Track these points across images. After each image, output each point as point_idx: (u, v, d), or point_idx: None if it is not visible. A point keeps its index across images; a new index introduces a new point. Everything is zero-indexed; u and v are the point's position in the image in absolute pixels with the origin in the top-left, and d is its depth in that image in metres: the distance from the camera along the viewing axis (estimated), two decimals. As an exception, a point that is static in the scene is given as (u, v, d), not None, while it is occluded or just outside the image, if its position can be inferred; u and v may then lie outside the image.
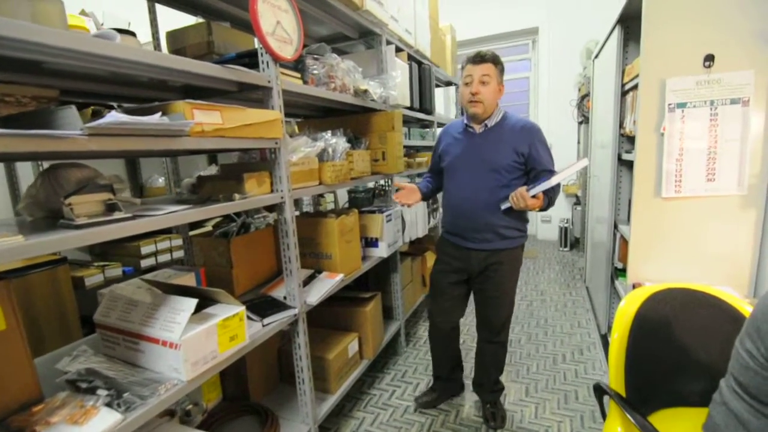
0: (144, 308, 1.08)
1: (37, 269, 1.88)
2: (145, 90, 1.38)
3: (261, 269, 1.68)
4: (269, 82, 1.28)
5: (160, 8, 1.61)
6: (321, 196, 3.92)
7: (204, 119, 1.01)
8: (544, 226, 5.22)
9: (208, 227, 2.88)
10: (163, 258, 2.62)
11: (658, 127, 1.55)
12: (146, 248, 2.52)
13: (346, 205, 3.60)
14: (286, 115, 2.39)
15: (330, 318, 1.99)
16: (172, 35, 1.55)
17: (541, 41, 4.94)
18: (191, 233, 2.75)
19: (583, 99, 4.07)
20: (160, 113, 0.84)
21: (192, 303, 1.01)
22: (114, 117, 0.76)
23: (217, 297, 1.17)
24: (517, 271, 1.67)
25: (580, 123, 4.48)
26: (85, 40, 0.80)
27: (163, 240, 2.60)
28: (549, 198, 1.50)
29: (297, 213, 3.28)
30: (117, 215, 0.88)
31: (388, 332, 2.27)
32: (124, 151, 1.04)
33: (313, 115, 2.35)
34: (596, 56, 2.96)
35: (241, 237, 1.59)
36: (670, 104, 1.50)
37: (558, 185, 1.47)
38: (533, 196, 1.44)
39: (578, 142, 4.70)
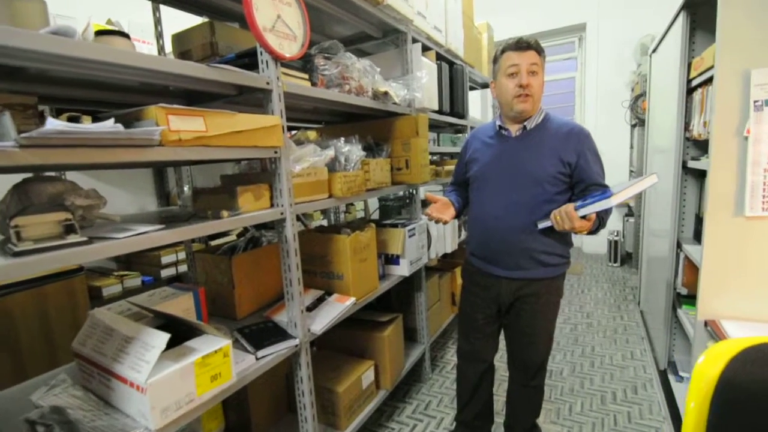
0: (118, 339, 0.96)
1: (53, 279, 1.86)
2: (145, 96, 1.28)
3: (268, 289, 1.54)
4: (268, 83, 1.13)
5: (174, 12, 1.54)
6: (351, 204, 3.79)
7: (182, 126, 0.88)
8: (590, 239, 4.79)
9: (233, 236, 2.83)
10: (185, 268, 2.58)
11: (740, 130, 1.25)
12: (167, 258, 2.48)
13: (377, 213, 3.44)
14: (305, 121, 2.28)
15: (344, 341, 1.82)
16: (178, 38, 1.45)
17: (588, 38, 4.57)
18: (215, 243, 2.70)
19: (638, 99, 3.68)
20: (113, 119, 0.71)
21: (163, 339, 0.87)
22: (52, 125, 0.63)
23: (202, 328, 1.03)
24: (556, 305, 1.40)
25: (634, 126, 4.07)
26: (29, 37, 0.68)
27: (183, 250, 2.55)
28: (600, 219, 1.22)
29: (316, 225, 3.17)
30: (71, 239, 0.76)
31: (412, 357, 2.06)
32: (85, 164, 0.92)
33: (334, 121, 2.21)
34: (654, 50, 2.62)
35: (245, 254, 1.46)
36: (756, 101, 1.21)
37: None
38: (583, 217, 1.15)
39: (631, 147, 4.27)
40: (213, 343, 0.99)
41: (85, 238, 0.77)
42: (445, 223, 1.44)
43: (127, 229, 0.87)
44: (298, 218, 3.04)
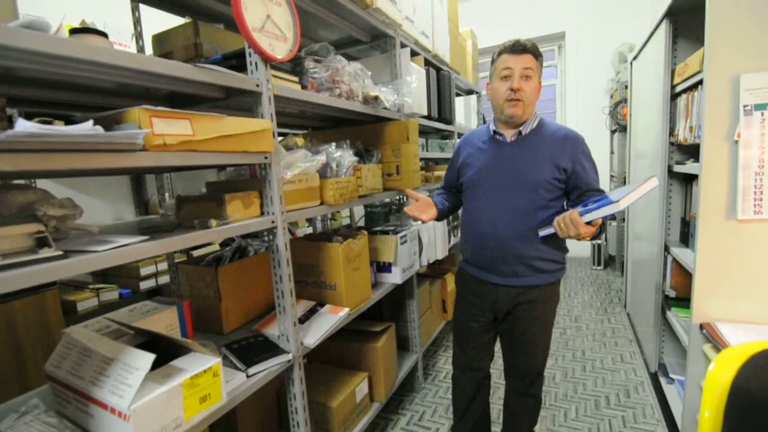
0: (97, 361, 0.88)
1: (21, 294, 1.74)
2: (122, 99, 1.21)
3: (256, 300, 1.47)
4: (258, 86, 1.08)
5: (154, 13, 1.47)
6: (337, 210, 3.73)
7: (167, 129, 0.82)
8: (573, 242, 4.86)
9: (216, 246, 2.72)
10: (165, 279, 2.47)
11: (730, 134, 1.27)
12: (146, 269, 2.37)
13: (362, 221, 3.39)
14: (291, 126, 2.22)
15: (336, 353, 1.76)
16: (158, 39, 1.39)
17: (568, 46, 4.67)
18: (197, 253, 2.59)
19: (617, 106, 3.77)
20: (92, 121, 0.65)
21: (147, 360, 0.80)
22: (23, 127, 0.57)
23: (189, 346, 0.96)
24: (553, 311, 1.38)
25: (613, 132, 4.16)
26: (-3, 29, 0.61)
27: (163, 260, 2.44)
28: (602, 224, 1.20)
29: (301, 232, 3.09)
30: (44, 253, 0.69)
31: (404, 367, 2.02)
32: (60, 171, 0.85)
33: (321, 126, 2.16)
34: (635, 58, 2.68)
35: (232, 264, 1.39)
36: (745, 106, 1.23)
37: None
38: (588, 223, 1.13)
39: (611, 153, 4.37)
40: (201, 362, 0.92)
41: (59, 252, 0.70)
42: (424, 221, 1.45)
43: (107, 241, 0.80)
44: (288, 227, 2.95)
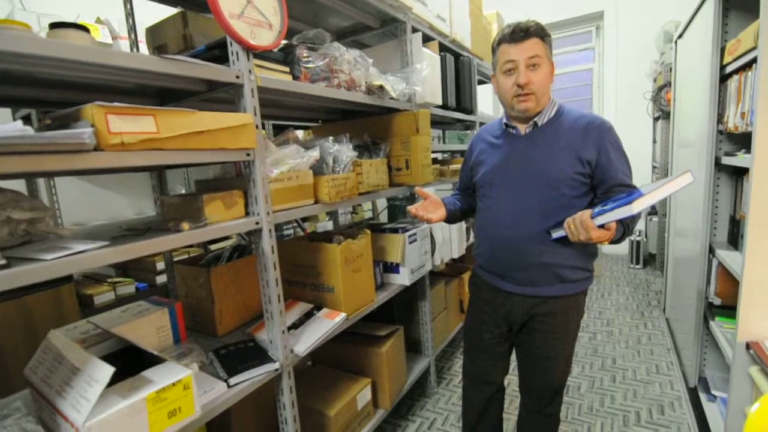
0: (66, 369, 0.85)
1: (36, 289, 1.78)
2: (121, 96, 1.17)
3: (254, 302, 1.42)
4: (238, 77, 1.01)
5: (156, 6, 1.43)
6: (359, 204, 3.66)
7: (125, 127, 0.76)
8: (610, 238, 4.54)
9: (233, 239, 2.72)
10: (181, 274, 2.49)
11: (790, 120, 1.07)
12: (162, 264, 2.39)
13: (386, 213, 3.29)
14: (299, 119, 2.15)
15: (341, 356, 1.69)
16: (151, 31, 1.35)
17: (607, 27, 4.32)
18: (214, 247, 2.60)
19: (661, 90, 3.44)
20: (20, 122, 0.59)
21: (106, 373, 0.75)
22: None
23: (158, 356, 0.91)
24: (576, 324, 1.23)
25: (657, 119, 3.82)
26: None
27: (181, 254, 2.46)
28: (625, 227, 1.04)
29: (321, 227, 3.03)
30: (-15, 262, 0.64)
31: (415, 371, 1.92)
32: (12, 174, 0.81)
33: (330, 119, 2.08)
34: (680, 36, 2.40)
35: (226, 265, 1.34)
36: (810, 86, 1.03)
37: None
38: (601, 226, 0.97)
39: (654, 141, 4.02)
40: (171, 374, 0.86)
41: (2, 262, 0.65)
42: (429, 222, 1.30)
43: (63, 247, 0.75)
44: (297, 223, 2.90)
